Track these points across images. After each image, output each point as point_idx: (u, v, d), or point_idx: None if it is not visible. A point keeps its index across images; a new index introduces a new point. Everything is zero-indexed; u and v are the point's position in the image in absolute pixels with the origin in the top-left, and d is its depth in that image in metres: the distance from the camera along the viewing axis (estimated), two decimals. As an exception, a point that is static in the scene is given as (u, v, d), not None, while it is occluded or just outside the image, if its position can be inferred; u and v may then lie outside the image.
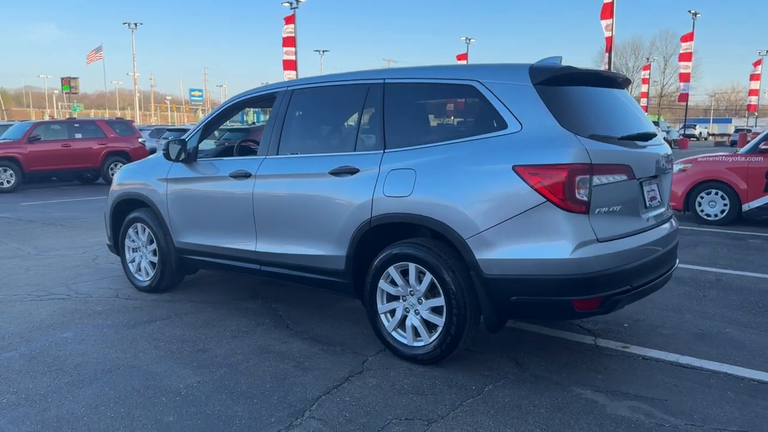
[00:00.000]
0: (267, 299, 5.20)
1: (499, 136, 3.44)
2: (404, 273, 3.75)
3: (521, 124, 3.39)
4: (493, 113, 3.49)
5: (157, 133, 22.34)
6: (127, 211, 5.55)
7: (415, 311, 3.74)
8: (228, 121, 6.78)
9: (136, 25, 47.55)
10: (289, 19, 35.77)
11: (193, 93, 70.72)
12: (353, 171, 3.91)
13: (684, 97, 42.51)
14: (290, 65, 36.06)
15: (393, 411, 3.16)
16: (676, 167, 9.65)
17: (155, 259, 5.32)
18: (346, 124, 4.13)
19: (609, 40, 26.12)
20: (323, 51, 58.71)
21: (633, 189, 3.52)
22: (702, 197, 9.27)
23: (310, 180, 4.14)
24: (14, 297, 5.35)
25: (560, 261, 3.23)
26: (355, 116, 4.05)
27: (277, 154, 4.43)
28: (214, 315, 4.79)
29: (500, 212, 3.34)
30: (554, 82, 3.45)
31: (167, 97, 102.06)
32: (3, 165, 14.72)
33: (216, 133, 12.49)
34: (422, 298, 3.69)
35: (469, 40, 51.56)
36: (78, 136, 16.13)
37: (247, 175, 4.50)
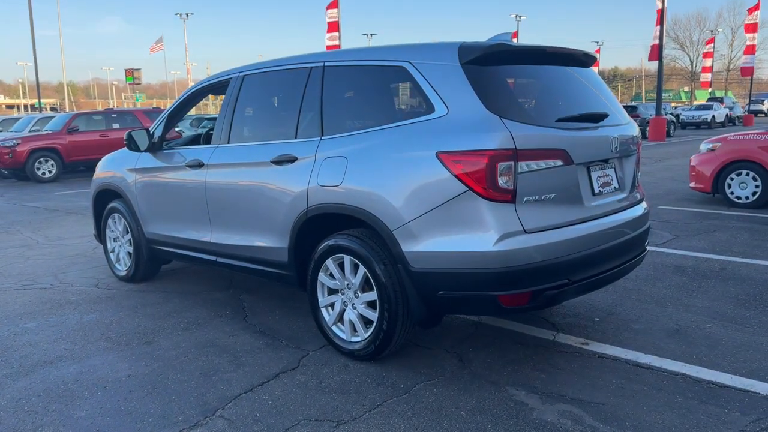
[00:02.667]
0: (238, 290, 5.14)
1: (426, 120, 3.22)
2: (341, 266, 3.59)
3: (447, 108, 3.16)
4: (422, 96, 3.27)
5: (197, 122, 22.72)
6: (107, 200, 5.59)
7: (352, 305, 3.58)
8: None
9: (187, 15, 48.53)
10: (333, 5, 35.66)
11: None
12: (292, 159, 3.77)
13: (748, 70, 40.03)
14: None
15: (306, 411, 3.03)
16: (705, 146, 9.05)
17: (131, 249, 5.35)
18: (289, 109, 3.97)
19: (660, 12, 24.82)
20: (371, 34, 58.45)
21: (571, 175, 3.23)
22: (732, 179, 8.65)
23: (254, 169, 4.02)
24: (0, 286, 5.49)
25: (483, 254, 3.00)
26: (298, 101, 3.89)
27: (228, 143, 4.33)
28: (179, 306, 4.77)
29: (425, 202, 3.14)
30: (485, 61, 3.19)
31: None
32: (44, 155, 15.28)
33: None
34: (358, 292, 3.53)
35: (520, 17, 50.16)
36: (116, 126, 16.55)
37: (201, 165, 4.43)
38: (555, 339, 3.86)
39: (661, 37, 25.04)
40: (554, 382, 3.26)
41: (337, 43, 35.49)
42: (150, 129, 4.98)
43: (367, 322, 3.52)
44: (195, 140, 5.41)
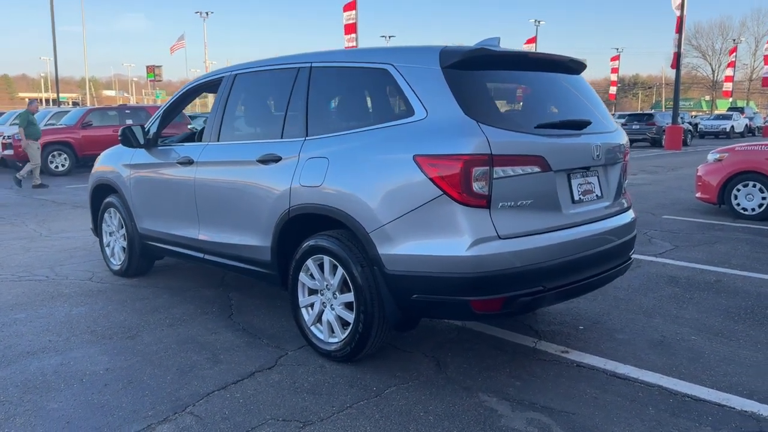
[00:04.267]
0: (228, 288, 5.17)
1: (406, 123, 3.22)
2: (321, 266, 3.60)
3: (427, 111, 3.15)
4: (403, 99, 3.27)
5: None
6: (104, 195, 5.65)
7: (330, 306, 3.59)
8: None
9: (207, 14, 48.92)
10: (349, 6, 35.74)
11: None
12: (277, 159, 3.79)
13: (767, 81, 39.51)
14: (350, 51, 36.00)
15: (275, 411, 3.03)
16: (712, 156, 8.94)
17: (126, 244, 5.40)
18: (277, 109, 3.99)
19: (679, 20, 24.57)
20: (389, 36, 58.45)
21: (549, 182, 3.20)
22: (738, 190, 8.53)
23: (241, 168, 4.04)
24: (-3, 277, 5.57)
25: (456, 258, 2.99)
26: (285, 101, 3.90)
27: (218, 141, 4.36)
28: (167, 302, 4.80)
29: (401, 205, 3.13)
30: (465, 65, 3.18)
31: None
32: (58, 149, 15.49)
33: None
34: (336, 293, 3.53)
35: (539, 22, 49.94)
36: (129, 121, 16.71)
37: (191, 162, 4.46)
38: (536, 346, 3.84)
39: (679, 45, 24.79)
40: (528, 390, 3.24)
41: (354, 44, 35.53)
42: (146, 126, 5.03)
43: (344, 323, 3.52)
44: (191, 137, 5.45)
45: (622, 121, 30.58)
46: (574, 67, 3.76)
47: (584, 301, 4.71)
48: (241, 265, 4.16)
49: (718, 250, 6.56)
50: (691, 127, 31.48)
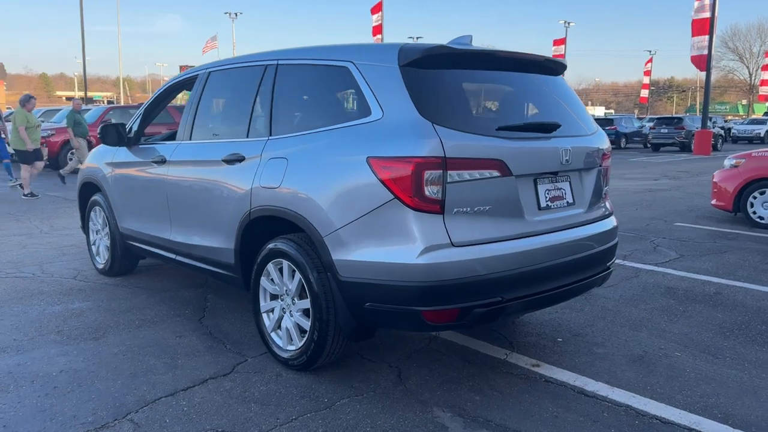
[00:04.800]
0: (208, 290, 5.09)
1: (362, 123, 3.08)
2: (282, 271, 3.48)
3: (383, 111, 3.01)
4: (361, 98, 3.13)
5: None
6: (91, 193, 5.62)
7: (290, 312, 3.46)
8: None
9: (236, 14, 49.39)
10: (376, 8, 35.70)
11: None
12: (241, 159, 3.68)
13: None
14: (376, 53, 35.99)
15: (217, 421, 2.92)
16: (728, 162, 8.59)
17: (109, 243, 5.36)
18: (244, 107, 3.87)
19: (708, 21, 23.89)
20: (417, 37, 58.20)
21: (509, 187, 3.02)
22: (755, 197, 8.17)
23: (208, 168, 3.95)
24: (-16, 274, 5.58)
25: (407, 266, 2.83)
26: (252, 99, 3.80)
27: (190, 139, 4.27)
28: (144, 302, 4.74)
29: (355, 209, 2.99)
30: (425, 64, 3.02)
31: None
32: (77, 147, 15.66)
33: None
34: (295, 299, 3.41)
35: (569, 23, 49.18)
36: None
37: (164, 161, 4.38)
38: (506, 359, 3.66)
39: (709, 47, 24.11)
40: (486, 406, 3.07)
41: (379, 45, 35.48)
42: (128, 124, 4.97)
43: (302, 330, 3.39)
44: (172, 137, 5.38)
45: (651, 124, 29.92)
46: (552, 67, 3.57)
47: (569, 311, 4.51)
48: (209, 267, 4.07)
49: (726, 260, 6.26)
50: (722, 132, 30.63)
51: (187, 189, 4.13)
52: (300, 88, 3.61)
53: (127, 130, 4.92)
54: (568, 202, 3.34)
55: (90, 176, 5.49)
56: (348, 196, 3.03)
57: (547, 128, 3.22)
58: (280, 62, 3.68)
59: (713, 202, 8.67)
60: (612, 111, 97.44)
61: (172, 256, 4.46)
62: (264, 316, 3.62)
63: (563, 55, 45.51)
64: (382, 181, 2.87)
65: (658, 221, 8.59)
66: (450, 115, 2.95)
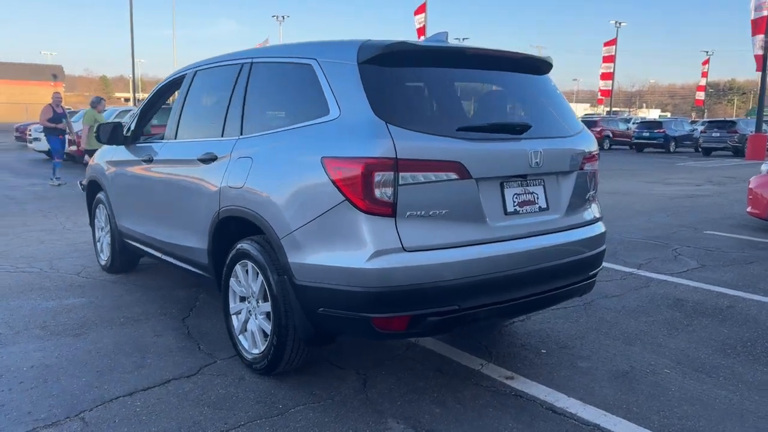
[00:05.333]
0: (202, 288, 5.08)
1: (320, 123, 2.99)
2: (248, 272, 3.42)
3: (340, 110, 2.91)
4: (321, 96, 3.04)
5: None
6: (97, 190, 5.72)
7: (255, 315, 3.40)
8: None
9: (283, 17, 50.10)
10: (419, 10, 35.55)
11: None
12: (214, 158, 3.65)
13: None
14: (420, 54, 35.80)
15: (164, 424, 2.87)
16: (765, 168, 8.12)
17: (110, 240, 5.43)
18: (221, 106, 3.84)
19: (765, 20, 22.82)
20: (463, 39, 57.67)
21: (469, 191, 2.87)
22: (792, 205, 7.69)
23: (186, 167, 3.94)
24: (-4, 268, 5.74)
25: (356, 271, 2.73)
26: (228, 98, 3.76)
27: (175, 138, 4.28)
28: (135, 300, 4.77)
29: (309, 211, 2.91)
30: (384, 61, 2.91)
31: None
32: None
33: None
34: (260, 301, 3.34)
35: (620, 23, 47.83)
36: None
37: (151, 160, 4.40)
38: (480, 369, 3.50)
39: (766, 46, 23.00)
40: (443, 419, 2.93)
41: (422, 46, 35.28)
42: (127, 123, 5.03)
43: (265, 334, 3.33)
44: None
45: (702, 128, 28.79)
46: (533, 65, 3.40)
47: (562, 321, 4.31)
48: (187, 266, 4.06)
49: (750, 271, 5.89)
50: (780, 136, 29.16)
51: (169, 187, 4.13)
52: (269, 87, 3.54)
53: (126, 129, 4.97)
54: (540, 207, 3.17)
55: (93, 174, 5.59)
56: (303, 197, 2.95)
57: (514, 129, 3.06)
58: (254, 60, 3.64)
59: (749, 209, 8.21)
60: (668, 114, 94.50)
61: (159, 254, 4.47)
62: (233, 317, 3.58)
63: (613, 57, 44.30)
64: (334, 182, 2.78)
65: (687, 229, 8.19)
66: (407, 115, 2.83)
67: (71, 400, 3.11)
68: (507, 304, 3.00)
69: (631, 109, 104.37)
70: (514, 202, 3.05)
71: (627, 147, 31.24)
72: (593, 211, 3.56)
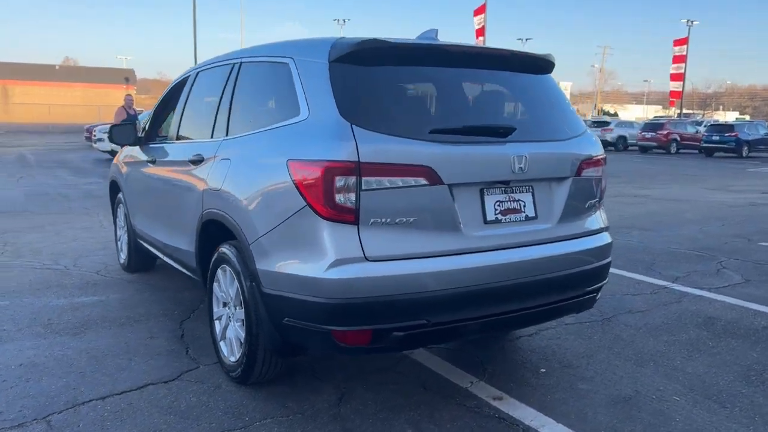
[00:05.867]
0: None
1: (291, 124, 2.86)
2: (227, 277, 3.33)
3: (309, 111, 2.78)
4: (294, 96, 2.91)
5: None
6: (117, 190, 5.80)
7: (233, 321, 3.31)
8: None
9: (344, 21, 50.57)
10: (479, 11, 35.12)
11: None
12: (201, 159, 3.59)
13: None
14: (479, 56, 35.51)
15: (125, 431, 2.81)
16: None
17: (127, 239, 5.49)
18: (212, 107, 3.78)
19: None
20: (526, 39, 56.60)
21: (441, 197, 2.67)
22: None
23: (180, 168, 3.90)
24: (25, 264, 5.90)
25: (315, 280, 2.59)
26: (218, 99, 3.69)
27: (176, 140, 4.25)
28: (142, 300, 4.78)
29: (275, 216, 2.79)
30: (356, 59, 2.75)
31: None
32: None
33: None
34: (238, 308, 3.25)
35: (692, 22, 45.69)
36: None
37: (154, 161, 4.40)
38: (469, 388, 3.28)
39: None
40: (413, 441, 2.74)
41: (482, 48, 34.85)
42: (142, 124, 5.07)
43: (241, 342, 3.22)
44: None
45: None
46: (526, 64, 3.16)
47: (573, 338, 4.03)
48: (181, 268, 4.03)
49: (801, 288, 5.38)
50: None
51: (166, 189, 4.12)
52: (252, 86, 3.45)
53: (141, 130, 5.00)
54: (527, 215, 2.93)
55: (113, 174, 5.67)
56: (270, 201, 2.83)
57: (496, 132, 2.83)
58: (243, 60, 3.55)
59: (810, 220, 7.57)
60: (746, 117, 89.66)
61: (161, 255, 4.46)
62: (216, 323, 3.50)
63: (684, 57, 42.40)
64: (297, 186, 2.64)
65: (740, 240, 7.62)
66: (376, 116, 2.66)
67: (45, 401, 3.09)
68: (486, 319, 2.78)
69: (706, 112, 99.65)
70: (496, 210, 2.83)
71: (696, 151, 29.78)
72: (596, 220, 3.28)
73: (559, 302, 3.03)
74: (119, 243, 5.83)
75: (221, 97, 3.64)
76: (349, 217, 2.55)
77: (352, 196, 2.53)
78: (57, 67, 62.31)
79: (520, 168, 2.83)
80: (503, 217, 2.85)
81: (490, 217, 2.81)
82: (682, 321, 4.43)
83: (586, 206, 3.19)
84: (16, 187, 12.31)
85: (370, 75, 2.76)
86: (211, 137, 3.64)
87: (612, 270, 5.83)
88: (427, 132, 2.69)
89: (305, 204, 2.61)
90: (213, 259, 3.40)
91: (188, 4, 34.39)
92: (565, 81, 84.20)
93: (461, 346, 3.86)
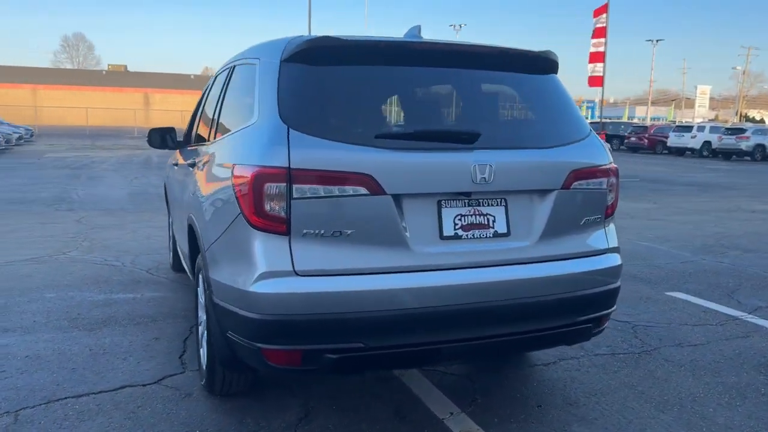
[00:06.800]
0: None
1: (245, 127, 2.73)
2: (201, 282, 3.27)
3: (259, 114, 2.63)
4: (252, 98, 2.78)
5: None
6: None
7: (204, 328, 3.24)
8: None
9: (460, 26, 50.16)
10: (600, 11, 33.33)
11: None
12: (194, 164, 3.57)
13: None
14: (597, 57, 33.93)
15: (78, 432, 2.82)
16: None
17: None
18: (212, 111, 3.74)
19: None
20: (657, 40, 53.00)
21: (383, 208, 2.40)
22: None
23: (186, 171, 3.91)
24: (90, 259, 6.25)
25: (244, 294, 2.43)
26: (215, 103, 3.67)
27: (191, 143, 4.29)
28: (169, 300, 4.87)
29: (221, 223, 2.69)
30: (307, 59, 2.56)
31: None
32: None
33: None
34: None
35: None
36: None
37: (176, 164, 4.46)
38: (446, 420, 2.98)
39: None
40: (353, 475, 2.50)
41: (601, 50, 33.26)
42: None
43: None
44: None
45: None
46: (516, 63, 2.81)
47: (595, 370, 3.58)
48: (190, 274, 4.02)
49: None
50: None
51: (176, 192, 4.16)
52: (233, 90, 3.36)
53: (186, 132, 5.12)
54: (497, 232, 2.58)
55: (165, 177, 5.86)
56: (219, 208, 2.73)
57: (457, 137, 2.52)
58: (236, 63, 3.48)
59: None
60: None
61: (181, 257, 4.51)
62: (199, 328, 3.45)
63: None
64: (236, 194, 2.51)
65: None
66: (318, 120, 2.46)
67: (25, 395, 3.18)
68: (441, 345, 2.48)
69: None
70: (456, 224, 2.52)
71: None
72: (598, 239, 2.85)
73: (539, 331, 2.64)
74: (171, 243, 6.02)
75: (217, 101, 3.62)
76: (279, 227, 2.37)
77: (283, 205, 2.35)
78: (192, 77, 67.09)
79: (483, 178, 2.50)
80: (465, 233, 2.53)
81: (448, 232, 2.51)
82: (738, 360, 3.80)
83: (582, 223, 2.78)
84: (127, 187, 13.24)
85: (318, 75, 2.56)
86: (208, 140, 3.61)
87: (677, 294, 5.25)
88: (372, 137, 2.45)
89: (239, 212, 2.46)
90: (195, 264, 3.35)
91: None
92: (703, 84, 78.13)
93: (460, 370, 3.54)
